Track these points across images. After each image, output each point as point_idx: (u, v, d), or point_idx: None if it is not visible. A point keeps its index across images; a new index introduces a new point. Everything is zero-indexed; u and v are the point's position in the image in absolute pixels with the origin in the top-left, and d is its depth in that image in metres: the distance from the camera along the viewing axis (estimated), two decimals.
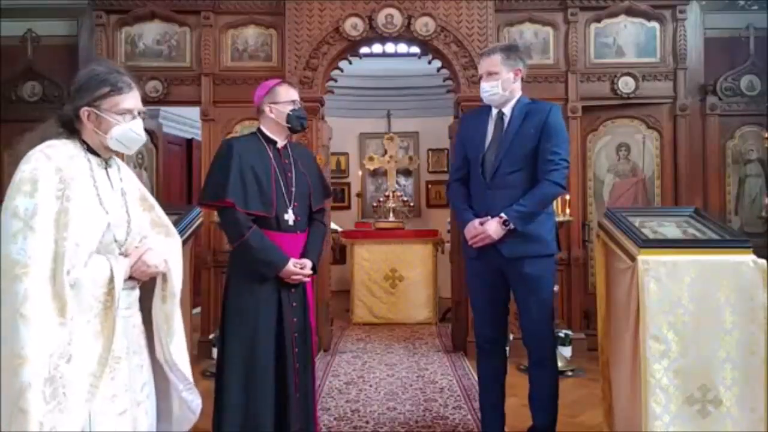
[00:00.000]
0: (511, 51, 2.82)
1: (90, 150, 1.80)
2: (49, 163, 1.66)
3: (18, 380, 1.51)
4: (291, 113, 2.61)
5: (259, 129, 2.69)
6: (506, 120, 2.81)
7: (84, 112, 1.76)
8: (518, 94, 2.83)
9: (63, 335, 1.58)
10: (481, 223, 2.72)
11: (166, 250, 1.91)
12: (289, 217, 2.59)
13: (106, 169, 1.84)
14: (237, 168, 2.52)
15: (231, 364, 2.54)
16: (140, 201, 1.94)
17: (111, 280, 1.70)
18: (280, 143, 2.67)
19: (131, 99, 1.81)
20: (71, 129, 1.79)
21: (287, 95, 2.63)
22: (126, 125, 1.79)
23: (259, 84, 2.75)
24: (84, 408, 1.62)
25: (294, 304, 2.60)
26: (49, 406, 1.54)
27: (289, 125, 2.63)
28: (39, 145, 1.72)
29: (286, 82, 2.76)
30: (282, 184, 2.60)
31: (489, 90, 2.78)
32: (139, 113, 1.83)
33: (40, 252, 1.57)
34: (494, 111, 2.85)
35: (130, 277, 1.81)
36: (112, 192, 1.82)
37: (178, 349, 1.93)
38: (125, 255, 1.82)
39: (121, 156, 3.81)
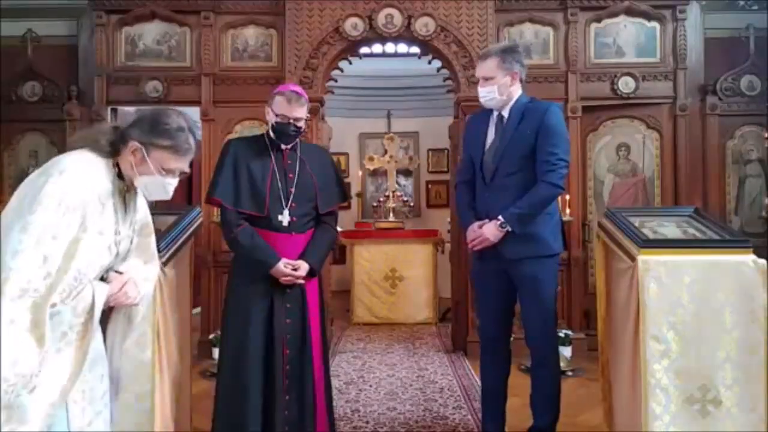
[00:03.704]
0: (507, 54, 2.77)
1: (119, 174, 1.76)
2: (81, 186, 1.60)
3: None
4: (275, 125, 2.61)
5: (267, 129, 2.71)
6: (505, 122, 2.81)
7: (132, 146, 1.72)
8: (517, 95, 2.82)
9: (33, 366, 1.49)
10: (480, 226, 2.72)
11: (142, 279, 1.86)
12: (284, 218, 2.58)
13: (125, 195, 1.80)
14: (230, 167, 2.56)
15: (223, 364, 2.56)
16: (141, 227, 1.91)
17: (91, 308, 1.64)
18: (284, 144, 2.66)
19: (183, 161, 1.78)
20: (115, 148, 1.74)
21: (279, 108, 2.59)
22: (161, 180, 1.76)
23: (270, 84, 2.75)
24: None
25: (288, 305, 2.58)
26: (5, 428, 1.48)
27: (273, 135, 2.64)
28: (77, 153, 1.67)
29: (291, 93, 2.61)
30: (279, 184, 2.60)
31: (486, 95, 2.77)
32: (181, 173, 1.79)
33: (38, 278, 1.49)
34: (495, 113, 2.85)
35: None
36: (125, 221, 1.79)
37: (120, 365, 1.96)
38: (105, 279, 1.76)
39: None
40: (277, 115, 2.59)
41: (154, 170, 1.73)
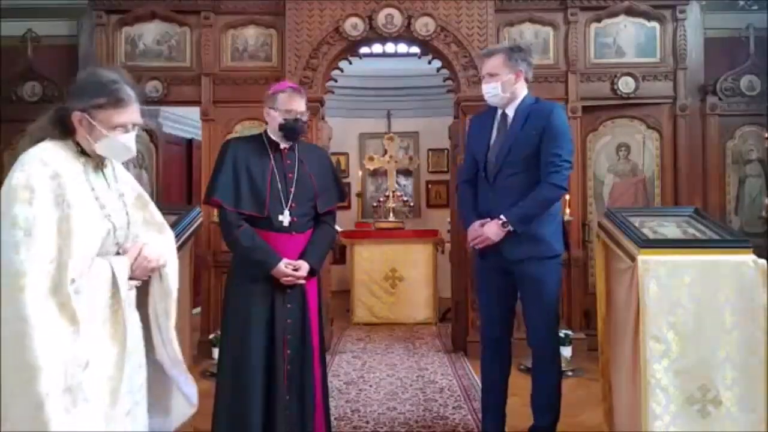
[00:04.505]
0: (513, 53, 2.79)
1: (84, 152, 1.76)
2: (46, 168, 1.61)
3: (35, 391, 1.48)
4: (283, 122, 2.60)
5: (265, 129, 2.71)
6: (509, 121, 2.81)
7: (76, 117, 1.70)
8: (522, 94, 2.82)
9: (76, 344, 1.56)
10: (482, 225, 2.73)
11: (161, 246, 1.90)
12: (284, 218, 2.58)
13: (102, 170, 1.81)
14: (230, 168, 2.55)
15: (224, 364, 2.55)
16: (136, 199, 1.92)
17: (114, 281, 1.69)
18: (284, 144, 2.67)
19: (127, 113, 1.74)
20: (66, 128, 1.73)
21: (285, 104, 2.59)
22: (116, 139, 1.73)
23: (269, 84, 2.75)
24: (108, 411, 1.61)
25: (289, 305, 2.58)
26: (70, 415, 1.52)
27: (281, 133, 2.63)
28: (33, 146, 1.68)
29: (292, 89, 2.65)
30: (279, 184, 2.60)
31: (490, 92, 2.79)
32: (133, 125, 1.77)
33: (44, 262, 1.54)
34: (499, 112, 2.86)
35: (132, 278, 1.80)
36: (110, 195, 1.80)
37: (177, 345, 1.94)
38: (123, 254, 1.80)
39: None
40: (286, 111, 2.59)
41: (105, 132, 1.70)
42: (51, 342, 1.51)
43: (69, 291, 1.56)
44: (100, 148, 1.73)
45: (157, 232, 1.94)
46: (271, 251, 2.53)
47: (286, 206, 2.59)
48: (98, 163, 1.80)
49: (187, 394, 2.00)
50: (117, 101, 1.71)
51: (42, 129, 1.73)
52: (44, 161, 1.63)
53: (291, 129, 2.61)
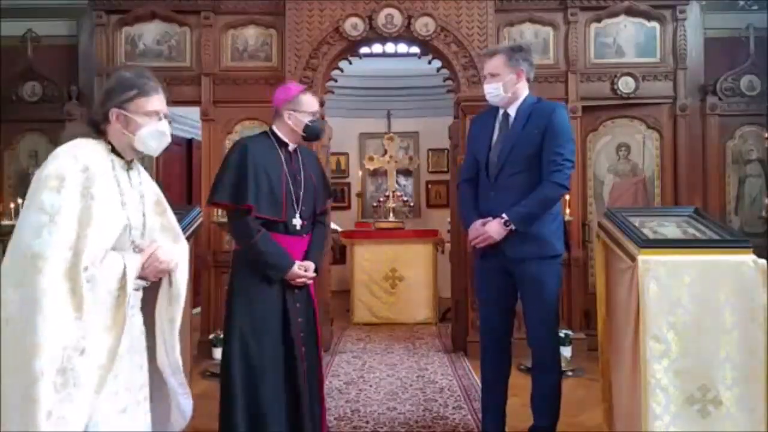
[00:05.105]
0: (514, 52, 2.80)
1: (114, 151, 1.86)
2: (77, 162, 1.71)
3: (31, 369, 1.54)
4: (310, 124, 2.62)
5: (271, 130, 2.69)
6: (511, 121, 2.82)
7: (113, 113, 1.83)
8: (524, 94, 2.83)
9: (78, 329, 1.61)
10: (484, 224, 2.73)
11: (174, 251, 1.95)
12: (297, 221, 2.61)
13: (128, 171, 1.89)
14: (253, 171, 2.53)
15: (238, 367, 2.52)
16: (155, 204, 1.98)
17: (124, 275, 1.74)
18: (291, 147, 2.68)
19: (157, 101, 1.89)
20: (98, 130, 1.85)
21: (310, 106, 2.63)
22: (153, 125, 1.87)
23: (280, 85, 2.76)
24: (92, 399, 1.65)
25: (298, 304, 2.61)
26: (60, 395, 1.57)
27: (305, 135, 2.64)
28: (67, 143, 1.78)
29: (311, 91, 2.77)
30: (291, 188, 2.61)
31: (491, 92, 2.80)
32: (165, 116, 1.91)
33: (63, 248, 1.61)
34: (501, 112, 2.86)
35: (141, 278, 1.83)
36: (131, 194, 1.87)
37: (179, 353, 1.96)
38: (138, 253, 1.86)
39: None
40: (312, 114, 2.63)
41: (140, 120, 1.84)
42: (55, 325, 1.57)
43: (81, 278, 1.62)
44: (138, 140, 1.85)
45: (172, 241, 1.99)
46: (286, 255, 2.55)
47: (298, 209, 2.61)
48: (126, 163, 1.89)
49: (182, 405, 2.00)
50: (145, 92, 1.87)
51: (77, 130, 1.85)
52: (76, 156, 1.74)
53: (316, 131, 2.65)
